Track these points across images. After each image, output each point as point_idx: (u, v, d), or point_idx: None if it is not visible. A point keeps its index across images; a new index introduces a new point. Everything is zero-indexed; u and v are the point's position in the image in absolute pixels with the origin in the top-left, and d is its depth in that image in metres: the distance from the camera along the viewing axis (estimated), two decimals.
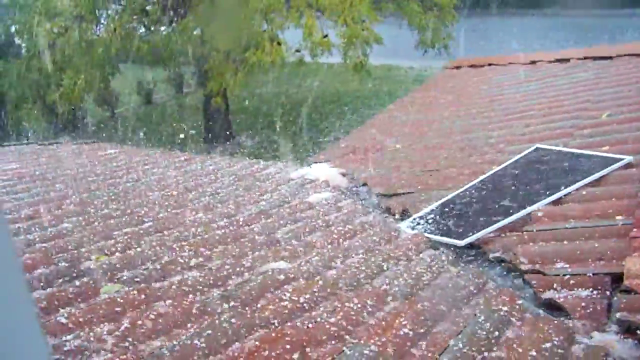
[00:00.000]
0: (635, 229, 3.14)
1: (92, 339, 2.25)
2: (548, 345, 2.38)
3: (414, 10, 15.22)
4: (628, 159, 4.13)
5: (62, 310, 2.55)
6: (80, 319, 2.43)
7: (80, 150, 7.57)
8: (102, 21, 15.83)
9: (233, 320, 2.47)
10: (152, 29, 16.23)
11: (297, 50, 14.67)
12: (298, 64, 15.17)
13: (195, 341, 2.29)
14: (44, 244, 3.47)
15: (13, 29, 17.25)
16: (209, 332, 2.36)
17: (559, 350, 2.36)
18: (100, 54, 14.39)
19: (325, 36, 14.04)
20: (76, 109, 16.98)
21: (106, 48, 14.45)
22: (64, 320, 2.39)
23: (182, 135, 16.38)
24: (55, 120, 17.26)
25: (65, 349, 2.16)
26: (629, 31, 19.48)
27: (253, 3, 13.47)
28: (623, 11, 24.51)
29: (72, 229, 3.82)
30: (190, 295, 2.79)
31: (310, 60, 14.66)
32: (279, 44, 14.38)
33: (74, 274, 2.95)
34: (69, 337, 2.23)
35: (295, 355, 2.24)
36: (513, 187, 4.29)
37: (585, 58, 8.01)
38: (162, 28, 16.20)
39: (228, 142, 15.91)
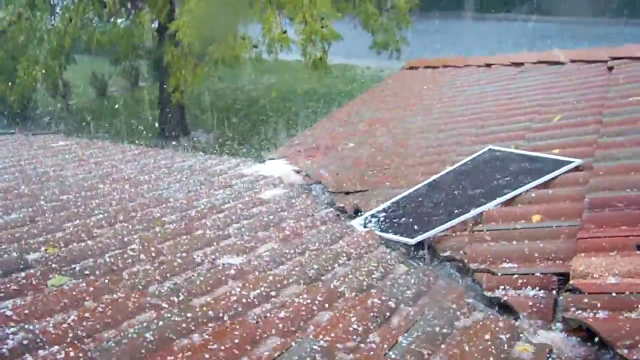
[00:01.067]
0: (581, 231, 3.21)
1: (37, 331, 2.21)
2: (495, 343, 2.41)
3: (369, 11, 15.21)
4: (577, 162, 4.20)
5: (7, 302, 2.50)
6: (26, 311, 2.38)
7: (32, 141, 7.44)
8: (58, 10, 15.50)
9: (182, 314, 2.45)
10: (110, 20, 15.96)
11: (255, 46, 14.54)
12: (256, 60, 15.05)
13: (145, 334, 2.27)
14: None
15: None
16: (158, 325, 2.34)
17: (506, 348, 2.40)
18: (54, 44, 14.09)
19: (285, 32, 13.94)
20: (28, 100, 16.62)
21: (61, 38, 14.15)
22: (9, 313, 2.35)
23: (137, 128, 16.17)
24: (6, 111, 16.88)
25: (9, 341, 2.11)
26: (585, 40, 19.77)
27: None
28: (585, 19, 24.82)
29: (21, 220, 3.76)
30: (140, 289, 2.76)
31: (267, 57, 14.55)
32: (243, 39, 14.25)
33: (21, 266, 2.90)
34: (13, 329, 2.19)
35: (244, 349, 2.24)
36: (465, 187, 4.34)
37: (539, 62, 8.13)
38: (120, 20, 15.95)
39: (182, 137, 15.73)
